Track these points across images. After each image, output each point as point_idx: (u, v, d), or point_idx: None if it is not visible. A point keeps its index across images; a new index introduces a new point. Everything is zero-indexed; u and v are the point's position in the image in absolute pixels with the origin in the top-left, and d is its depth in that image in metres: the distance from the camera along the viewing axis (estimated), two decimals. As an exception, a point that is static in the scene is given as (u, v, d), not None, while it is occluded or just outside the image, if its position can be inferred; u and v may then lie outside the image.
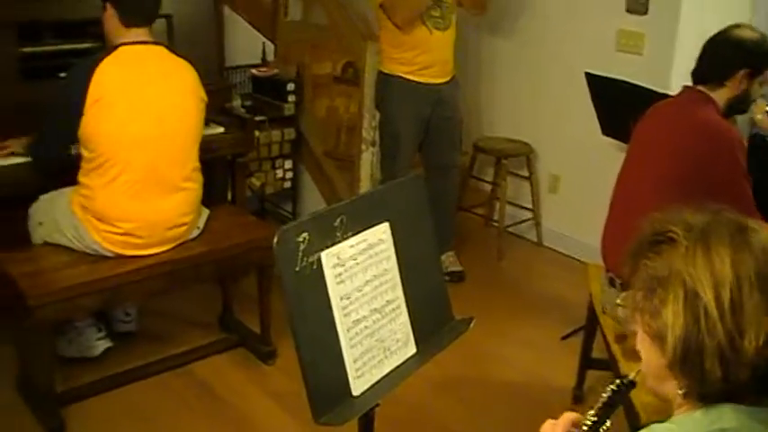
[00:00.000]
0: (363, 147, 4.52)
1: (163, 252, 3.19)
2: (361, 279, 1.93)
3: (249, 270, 3.63)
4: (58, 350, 3.43)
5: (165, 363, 3.55)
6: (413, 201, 2.14)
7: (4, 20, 3.57)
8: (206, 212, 3.40)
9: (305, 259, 1.76)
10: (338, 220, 1.86)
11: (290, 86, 4.75)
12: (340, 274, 1.86)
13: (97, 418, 3.24)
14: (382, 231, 2.01)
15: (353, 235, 1.91)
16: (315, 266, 1.80)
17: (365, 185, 4.58)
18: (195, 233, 3.32)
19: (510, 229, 5.04)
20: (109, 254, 3.12)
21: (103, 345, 3.54)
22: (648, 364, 1.38)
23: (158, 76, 3.12)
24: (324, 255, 1.82)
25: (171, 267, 3.19)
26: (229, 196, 4.27)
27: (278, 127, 4.74)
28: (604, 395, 1.47)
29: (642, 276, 1.35)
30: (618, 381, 1.49)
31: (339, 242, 1.87)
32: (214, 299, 3.95)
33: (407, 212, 2.11)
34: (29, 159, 3.35)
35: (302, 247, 1.76)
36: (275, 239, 1.69)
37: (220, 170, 4.11)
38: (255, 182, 4.68)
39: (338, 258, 1.86)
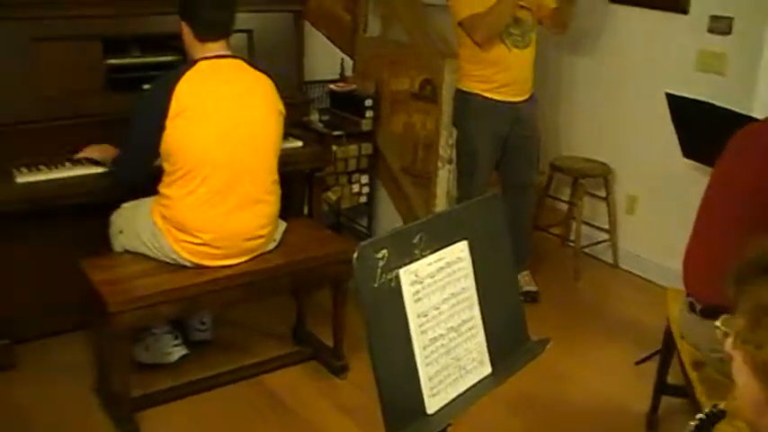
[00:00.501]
0: (440, 164, 4.51)
1: (240, 263, 3.23)
2: (439, 297, 1.92)
3: (324, 283, 3.65)
4: (134, 356, 3.50)
5: (238, 373, 3.59)
6: (491, 220, 2.12)
7: (90, 33, 3.68)
8: (283, 225, 3.43)
9: (383, 276, 1.76)
10: (417, 238, 1.85)
11: (368, 102, 4.79)
12: (418, 292, 1.85)
13: (170, 424, 3.30)
14: (460, 250, 2.00)
15: (432, 253, 1.90)
16: (393, 283, 1.79)
17: (441, 203, 4.57)
18: (272, 245, 3.35)
19: (586, 250, 4.97)
20: (187, 263, 3.17)
21: (179, 352, 3.59)
22: (746, 395, 1.31)
23: (237, 89, 3.16)
24: (402, 272, 1.81)
25: (248, 279, 3.23)
26: (306, 210, 4.31)
27: (355, 142, 4.77)
28: (693, 423, 1.42)
29: (747, 303, 1.28)
30: (708, 409, 1.43)
31: (417, 259, 1.86)
32: (288, 310, 3.97)
33: (486, 231, 2.09)
34: (105, 169, 3.45)
35: (381, 263, 1.75)
36: (355, 255, 1.68)
37: (297, 184, 4.15)
38: (332, 196, 4.71)
39: (416, 276, 1.85)
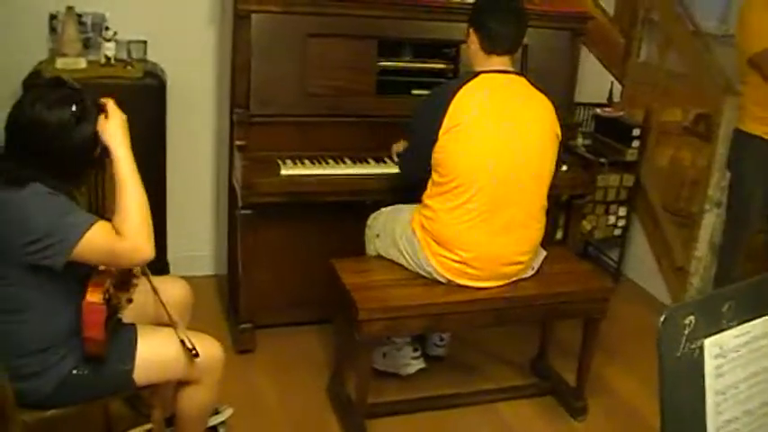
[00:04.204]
0: (707, 206, 4.22)
1: (494, 287, 3.11)
2: (740, 374, 1.72)
3: (575, 318, 3.47)
4: (371, 361, 3.46)
5: (472, 397, 3.50)
6: (804, 293, 1.89)
7: (367, 34, 3.70)
8: (543, 253, 3.28)
9: (688, 345, 1.59)
10: (726, 306, 1.67)
11: (636, 131, 4.56)
12: (720, 366, 1.67)
13: (399, 436, 3.25)
14: (768, 324, 1.79)
15: (739, 324, 1.71)
16: (696, 354, 1.61)
17: (703, 248, 4.27)
18: (529, 273, 3.21)
19: None
20: (441, 279, 3.09)
21: (417, 365, 3.54)
22: None
23: (517, 108, 3.04)
24: (707, 342, 1.63)
25: (500, 304, 3.11)
26: (558, 235, 4.15)
27: (617, 171, 4.56)
28: None
29: None
30: None
31: (724, 330, 1.67)
32: (528, 340, 3.83)
33: (797, 305, 1.86)
34: (366, 171, 3.52)
35: (687, 330, 1.58)
36: (662, 318, 1.53)
37: (553, 209, 3.99)
38: (586, 225, 4.52)
39: (720, 348, 1.66)
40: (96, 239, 2.19)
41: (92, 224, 2.19)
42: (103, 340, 2.28)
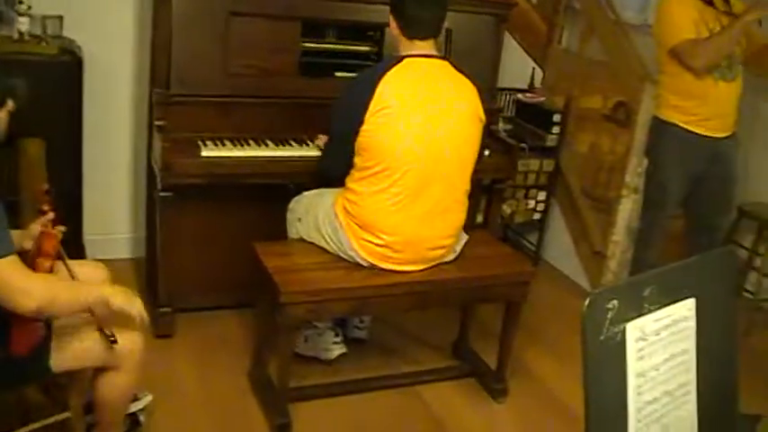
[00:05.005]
0: (625, 192, 4.29)
1: (417, 271, 3.12)
2: (660, 357, 1.75)
3: (496, 301, 3.49)
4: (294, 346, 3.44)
5: (393, 379, 3.51)
6: (722, 277, 1.93)
7: (291, 15, 3.65)
8: (465, 237, 3.30)
9: (611, 328, 1.61)
10: (648, 290, 1.69)
11: (557, 117, 4.62)
12: (641, 349, 1.69)
13: (321, 421, 3.24)
14: (687, 308, 1.82)
15: (660, 308, 1.74)
16: (618, 338, 1.64)
17: (620, 232, 4.34)
18: (451, 257, 3.23)
19: (765, 305, 4.65)
20: (364, 263, 3.09)
21: (339, 350, 3.53)
22: None
23: (441, 92, 3.04)
24: (629, 326, 1.66)
25: (423, 288, 3.12)
26: (479, 219, 4.18)
27: (537, 156, 4.62)
28: None
29: None
30: None
31: (645, 314, 1.70)
32: (449, 322, 3.85)
33: (714, 290, 1.91)
34: (284, 153, 3.49)
35: (610, 314, 1.60)
36: (586, 303, 1.54)
37: (474, 193, 4.01)
38: (506, 209, 4.57)
39: (642, 332, 1.69)
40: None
41: (4, 256, 2.10)
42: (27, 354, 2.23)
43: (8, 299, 2.11)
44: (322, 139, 3.45)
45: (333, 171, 3.20)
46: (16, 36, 3.57)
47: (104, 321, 2.34)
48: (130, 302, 2.29)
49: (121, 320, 2.38)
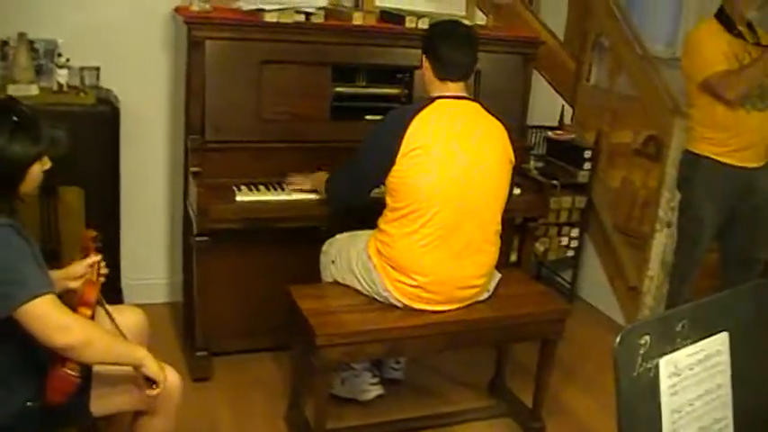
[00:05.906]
0: (658, 227, 4.28)
1: (450, 311, 3.12)
2: (694, 392, 1.75)
3: (531, 340, 3.49)
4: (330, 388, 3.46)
5: (430, 420, 3.50)
6: (755, 311, 1.93)
7: (322, 60, 3.72)
8: (497, 276, 3.31)
9: (643, 364, 1.61)
10: (680, 325, 1.70)
11: (587, 153, 4.62)
12: (674, 385, 1.69)
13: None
14: (720, 342, 1.82)
15: (692, 343, 1.74)
16: (652, 373, 1.64)
17: (655, 268, 4.33)
18: (485, 296, 3.24)
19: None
20: (397, 303, 3.10)
21: (376, 391, 3.53)
22: None
23: (472, 133, 3.06)
24: (662, 361, 1.66)
25: (456, 328, 3.12)
26: (513, 258, 4.18)
27: (569, 193, 4.62)
28: None
29: None
30: None
31: (678, 349, 1.70)
32: (485, 361, 3.84)
33: (748, 324, 1.90)
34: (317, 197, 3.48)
35: (643, 350, 1.61)
36: (617, 339, 1.56)
37: (507, 231, 4.02)
38: (539, 247, 4.57)
39: (675, 367, 1.69)
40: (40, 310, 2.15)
41: (43, 294, 2.15)
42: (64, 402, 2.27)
43: (46, 335, 2.15)
44: (303, 182, 3.54)
45: (347, 202, 3.30)
46: (56, 87, 3.67)
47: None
48: (161, 377, 2.33)
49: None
